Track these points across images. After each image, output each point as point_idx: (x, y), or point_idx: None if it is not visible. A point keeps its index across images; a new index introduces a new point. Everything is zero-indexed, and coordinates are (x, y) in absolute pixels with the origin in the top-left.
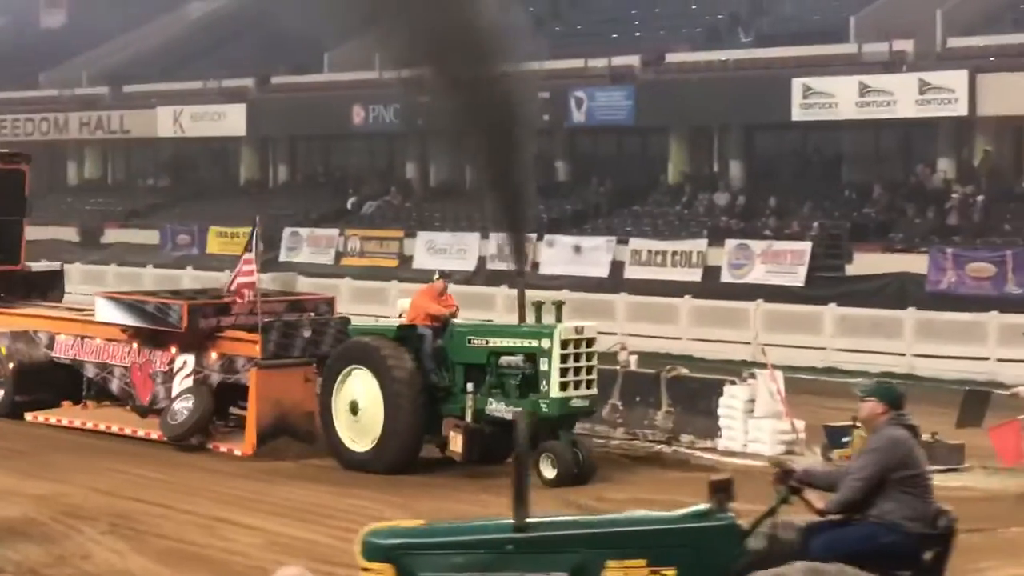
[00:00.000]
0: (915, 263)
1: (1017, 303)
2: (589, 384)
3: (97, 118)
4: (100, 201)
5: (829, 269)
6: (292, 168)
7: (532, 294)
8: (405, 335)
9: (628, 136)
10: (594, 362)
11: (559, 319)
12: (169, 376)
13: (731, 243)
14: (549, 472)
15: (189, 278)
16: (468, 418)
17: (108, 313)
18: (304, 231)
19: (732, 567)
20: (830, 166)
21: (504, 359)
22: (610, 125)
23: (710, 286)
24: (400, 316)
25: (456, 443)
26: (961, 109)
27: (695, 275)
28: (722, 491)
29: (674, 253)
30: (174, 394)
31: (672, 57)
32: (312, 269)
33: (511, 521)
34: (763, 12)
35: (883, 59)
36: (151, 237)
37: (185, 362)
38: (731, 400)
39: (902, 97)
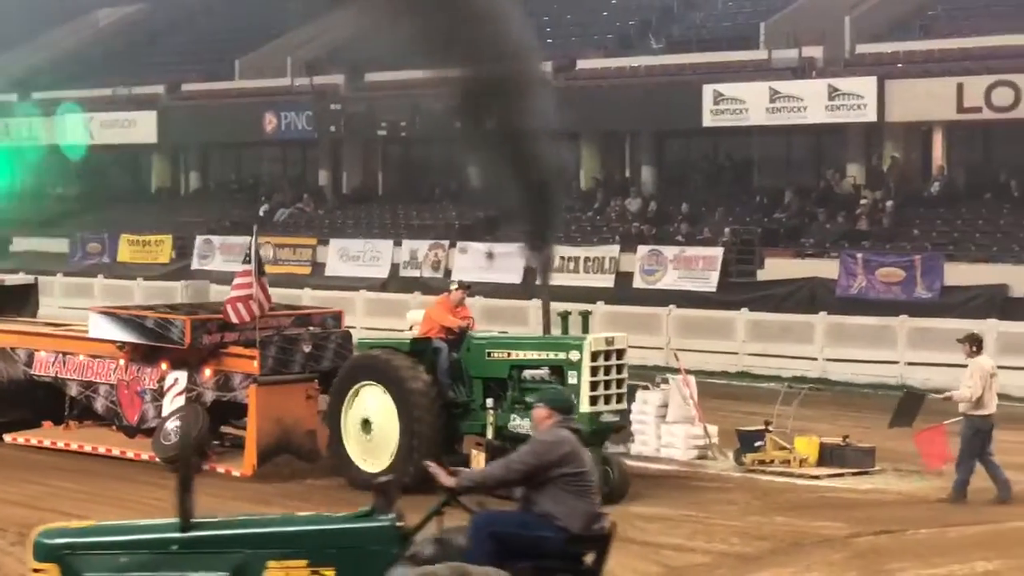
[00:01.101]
0: (826, 268)
1: (926, 307)
2: (620, 398)
3: (5, 124)
4: (9, 209)
5: (741, 274)
6: (204, 175)
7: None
8: (419, 349)
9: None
10: (624, 375)
11: (586, 329)
12: (159, 394)
13: (643, 249)
14: None
15: (100, 287)
16: (489, 435)
17: (103, 329)
18: (217, 239)
19: (392, 568)
20: (741, 172)
21: (528, 372)
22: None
23: (623, 292)
24: (411, 328)
25: (479, 462)
26: (870, 115)
27: (608, 281)
28: (385, 493)
29: (586, 259)
30: (165, 413)
31: (584, 63)
32: (225, 277)
33: (178, 521)
34: (674, 19)
35: (793, 65)
36: (61, 245)
37: (176, 379)
38: (644, 405)
39: (812, 103)
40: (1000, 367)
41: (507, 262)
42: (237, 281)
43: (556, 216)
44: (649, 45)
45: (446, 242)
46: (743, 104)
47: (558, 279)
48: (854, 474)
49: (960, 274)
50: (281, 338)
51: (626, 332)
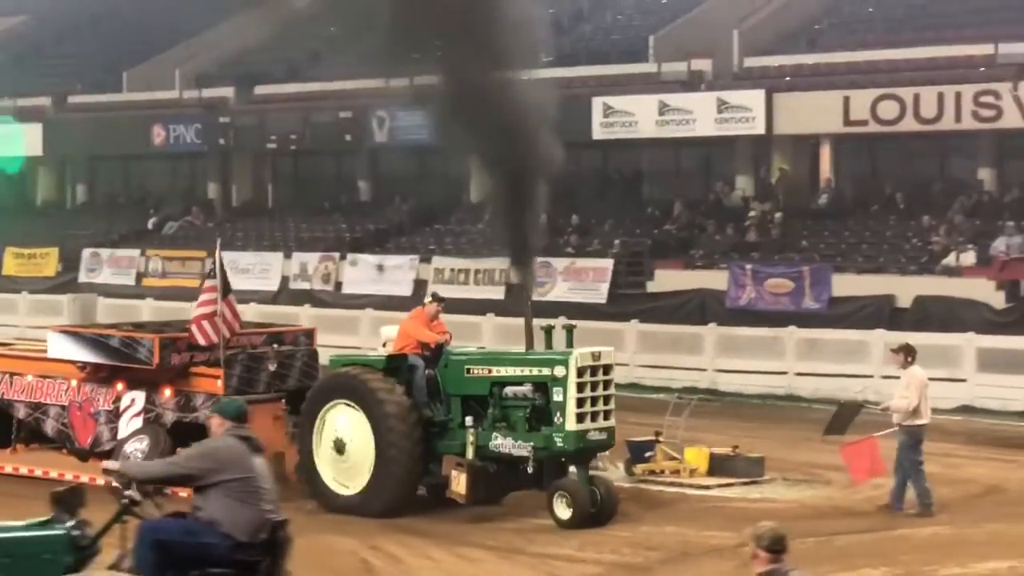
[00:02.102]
0: (715, 279)
1: (814, 318)
2: (607, 415)
3: None
4: None
5: (631, 286)
6: (91, 188)
7: (334, 313)
8: (395, 365)
9: (430, 155)
10: (612, 391)
11: (570, 344)
12: (114, 415)
13: (535, 262)
14: (564, 513)
15: None
16: (470, 455)
17: (63, 349)
18: (104, 252)
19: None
20: (631, 184)
21: (509, 389)
22: (412, 144)
23: (513, 304)
24: (385, 345)
25: (459, 484)
26: (758, 127)
27: (498, 293)
28: (63, 502)
29: (477, 271)
30: (121, 435)
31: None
32: (113, 290)
33: None
34: (563, 32)
35: (682, 78)
36: None
37: (133, 400)
38: None
39: (701, 116)
40: (887, 376)
41: (397, 275)
42: (202, 298)
43: (538, 230)
44: (539, 58)
45: (336, 254)
46: (633, 117)
47: (448, 291)
48: (744, 483)
49: (848, 285)
50: (246, 356)
51: (517, 345)
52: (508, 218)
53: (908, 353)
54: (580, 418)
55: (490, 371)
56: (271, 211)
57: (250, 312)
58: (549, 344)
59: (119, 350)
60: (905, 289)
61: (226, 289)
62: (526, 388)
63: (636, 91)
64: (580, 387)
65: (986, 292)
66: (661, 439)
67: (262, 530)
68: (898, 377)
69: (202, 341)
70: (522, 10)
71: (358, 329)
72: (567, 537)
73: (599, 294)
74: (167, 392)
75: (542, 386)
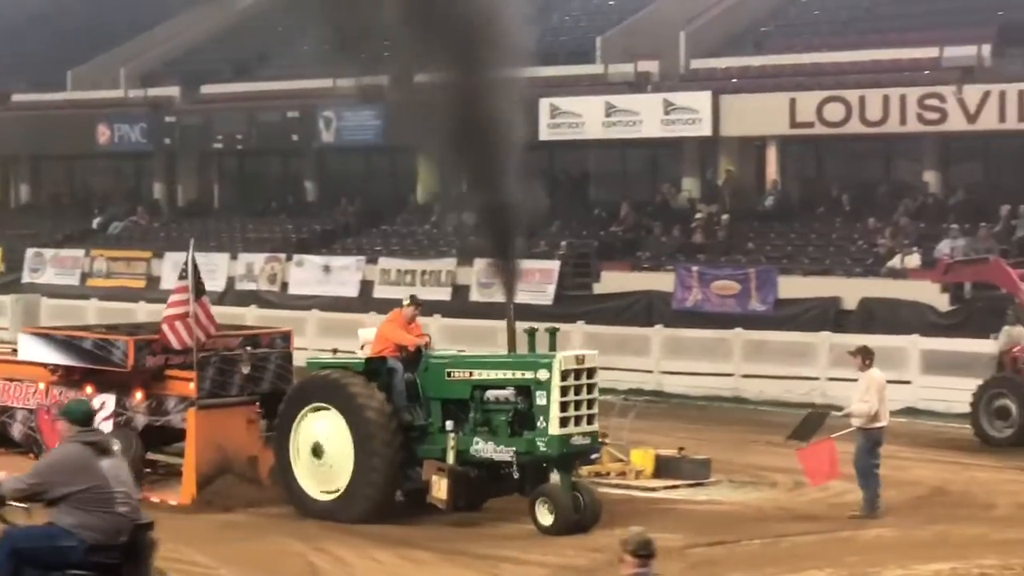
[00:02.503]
0: (661, 281)
1: (760, 320)
2: (591, 419)
3: None
4: None
5: (577, 287)
6: (35, 188)
7: (281, 314)
8: (374, 369)
9: (377, 155)
10: (595, 394)
11: (553, 347)
12: None
13: (480, 262)
14: (546, 519)
15: None
16: (450, 460)
17: (35, 351)
18: (48, 252)
19: None
20: (577, 185)
21: (491, 393)
22: (359, 144)
23: (460, 305)
24: (362, 348)
25: (440, 489)
26: (705, 129)
27: (445, 294)
28: None
29: (423, 272)
30: None
31: (421, 77)
32: (57, 291)
33: None
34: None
35: (629, 80)
36: None
37: (103, 403)
38: None
39: (647, 117)
40: (832, 379)
41: (344, 275)
42: (173, 298)
43: (519, 231)
44: None
45: (283, 255)
46: (579, 118)
47: (394, 292)
48: (689, 485)
49: (794, 287)
50: (219, 359)
51: (464, 345)
52: (488, 220)
53: (866, 355)
54: (564, 422)
55: (471, 374)
56: (217, 211)
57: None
58: (532, 347)
59: (92, 352)
60: (851, 291)
61: (199, 290)
62: (508, 392)
63: (583, 92)
64: (564, 391)
65: (931, 294)
66: (607, 441)
67: (121, 533)
68: (849, 379)
69: (176, 344)
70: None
71: (304, 330)
72: (512, 539)
73: (545, 295)
74: (138, 395)
75: (525, 390)
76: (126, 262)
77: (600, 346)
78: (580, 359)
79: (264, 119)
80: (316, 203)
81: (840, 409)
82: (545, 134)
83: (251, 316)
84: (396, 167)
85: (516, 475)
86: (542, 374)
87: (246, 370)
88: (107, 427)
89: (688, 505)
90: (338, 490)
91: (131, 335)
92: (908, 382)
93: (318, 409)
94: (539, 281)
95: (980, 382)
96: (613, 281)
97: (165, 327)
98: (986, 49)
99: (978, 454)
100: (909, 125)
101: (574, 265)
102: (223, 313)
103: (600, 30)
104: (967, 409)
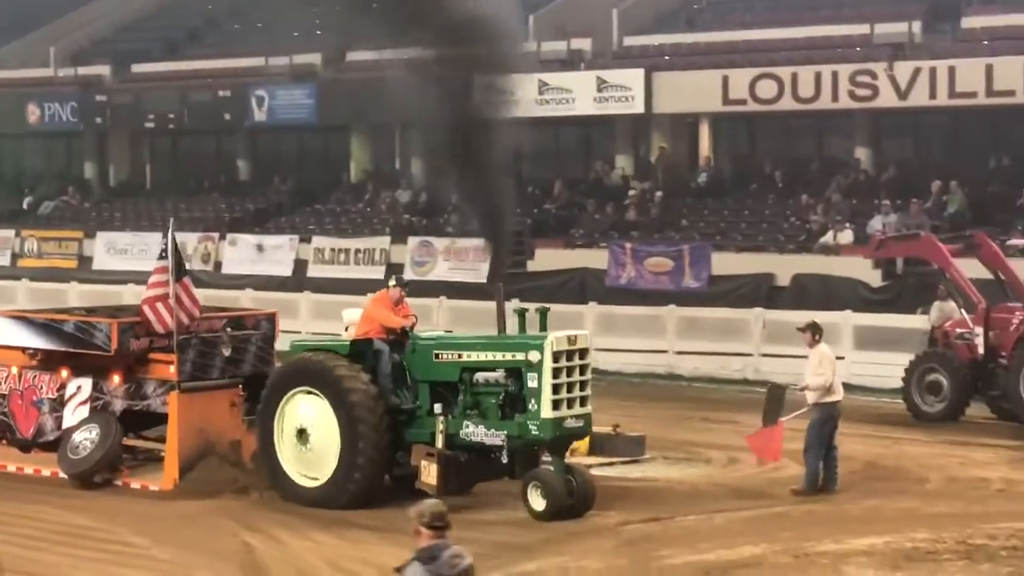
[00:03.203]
0: (595, 258)
1: (694, 297)
2: (584, 401)
3: None
4: None
5: (511, 265)
6: None
7: (215, 294)
8: (360, 351)
9: (310, 134)
10: (588, 375)
11: (544, 327)
12: (59, 404)
13: (414, 240)
14: (538, 504)
15: None
16: (439, 444)
17: (12, 335)
18: None
19: None
20: (511, 163)
21: (481, 375)
22: (292, 123)
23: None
24: (347, 329)
25: (429, 474)
26: (638, 107)
27: (378, 272)
28: None
29: (357, 251)
30: (66, 425)
31: (353, 55)
32: None
33: None
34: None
35: (561, 57)
36: None
37: (79, 388)
38: None
39: (580, 95)
40: (765, 355)
41: (277, 255)
42: (153, 279)
43: (509, 210)
44: None
45: (216, 234)
46: (513, 96)
47: (328, 271)
48: (624, 463)
49: (727, 264)
50: (199, 341)
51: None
52: (479, 200)
53: (815, 331)
54: (556, 405)
55: (460, 356)
56: (149, 191)
57: (128, 294)
58: (522, 328)
59: (74, 336)
60: (783, 267)
61: (181, 271)
62: (498, 374)
63: (515, 70)
64: (556, 372)
65: (863, 270)
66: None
67: None
68: (783, 355)
69: (158, 327)
70: None
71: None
72: (452, 518)
73: (479, 274)
74: (116, 379)
75: (515, 372)
76: (57, 242)
77: (534, 324)
78: (572, 340)
79: (196, 98)
80: (249, 182)
81: (796, 385)
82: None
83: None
84: (329, 146)
85: (505, 459)
86: (533, 356)
87: (227, 352)
88: (84, 412)
89: (623, 482)
90: (325, 476)
91: (113, 318)
92: (841, 358)
93: (303, 393)
94: (473, 259)
95: (912, 357)
96: (547, 259)
97: (146, 309)
98: (916, 26)
99: (910, 429)
100: (841, 102)
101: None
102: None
103: (533, 8)
104: (899, 384)
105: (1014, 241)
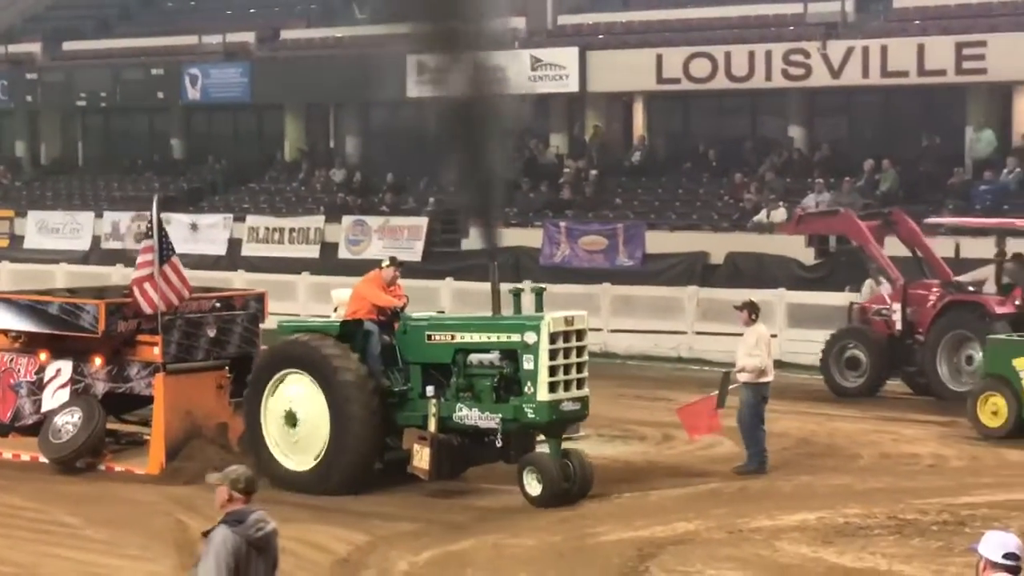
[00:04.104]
0: (529, 237)
1: (628, 275)
2: (581, 384)
3: None
4: None
5: (446, 244)
6: None
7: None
8: (350, 332)
9: (244, 113)
10: (585, 357)
11: (539, 308)
12: (37, 387)
13: (348, 219)
14: (534, 488)
15: None
16: (432, 428)
17: None
18: None
19: None
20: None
21: (475, 357)
22: (225, 102)
23: (328, 262)
24: (336, 310)
25: (422, 458)
26: (572, 85)
27: (313, 251)
28: None
29: (291, 230)
30: (45, 408)
31: (287, 34)
32: None
33: None
34: None
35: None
36: None
37: (59, 370)
38: None
39: (514, 73)
40: (700, 333)
41: (211, 233)
42: (141, 259)
43: (502, 189)
44: (353, 15)
45: (149, 213)
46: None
47: (262, 250)
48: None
49: (661, 242)
50: (184, 321)
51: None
52: (471, 179)
53: (752, 310)
54: (553, 387)
55: (453, 337)
56: (81, 169)
57: (59, 273)
58: (518, 308)
59: (59, 318)
60: (717, 246)
61: (169, 251)
62: (493, 356)
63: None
64: (552, 354)
65: (796, 248)
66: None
67: None
68: (717, 333)
69: (147, 309)
70: None
71: None
72: (389, 495)
73: (414, 252)
74: (98, 361)
75: (511, 353)
76: None
77: (469, 302)
78: (569, 320)
79: (128, 76)
80: (183, 161)
81: (734, 367)
82: (413, 91)
83: (117, 275)
84: (263, 125)
85: (499, 443)
86: (529, 337)
87: (212, 333)
88: (64, 395)
89: None
90: (314, 461)
91: (99, 299)
92: (774, 335)
93: (291, 375)
94: (408, 238)
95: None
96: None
97: (135, 289)
98: (849, 5)
99: (842, 406)
100: (774, 81)
101: (442, 222)
102: (88, 273)
103: None
104: None
105: (932, 219)
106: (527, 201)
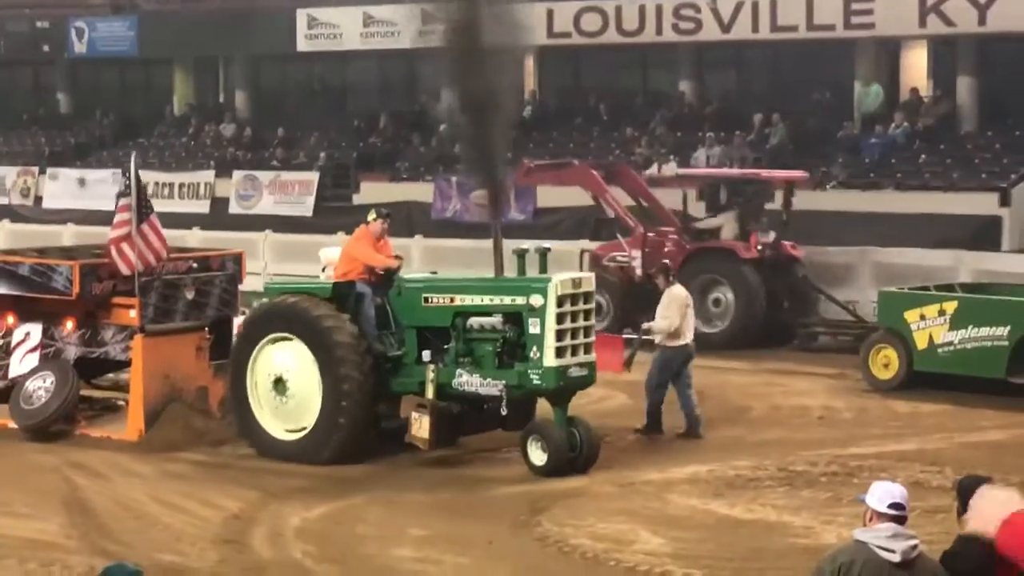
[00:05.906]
0: (420, 192)
1: (519, 229)
2: (588, 348)
3: None
4: None
5: (337, 199)
6: None
7: (33, 229)
8: (341, 293)
9: (131, 67)
10: (592, 321)
11: (544, 269)
12: (4, 352)
13: (239, 174)
14: (539, 457)
15: None
16: (430, 394)
17: None
18: None
19: None
20: (336, 97)
21: (475, 320)
22: (113, 56)
23: (219, 218)
24: (324, 270)
25: (421, 427)
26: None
27: (203, 207)
28: None
29: (181, 185)
30: (14, 373)
31: None
32: None
33: None
34: None
35: None
36: None
37: (28, 334)
38: None
39: (405, 28)
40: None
41: (100, 189)
42: (118, 218)
43: (504, 146)
44: None
45: (36, 168)
46: (337, 29)
47: (153, 205)
48: None
49: (552, 196)
50: (162, 283)
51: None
52: (476, 137)
53: (667, 273)
54: (560, 352)
55: (452, 300)
56: None
57: None
58: (521, 270)
59: (30, 279)
60: None
61: (147, 209)
62: (496, 319)
63: (340, 3)
64: (560, 318)
65: (687, 202)
66: None
67: None
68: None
69: (125, 270)
70: None
71: (60, 244)
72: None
73: (305, 207)
74: (69, 324)
75: (515, 317)
76: None
77: None
78: (577, 282)
79: (13, 28)
80: (70, 115)
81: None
82: (303, 45)
83: (3, 232)
84: (152, 79)
85: (504, 411)
86: (536, 300)
87: (190, 295)
88: (33, 360)
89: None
90: (305, 428)
91: (73, 259)
92: None
93: (279, 339)
94: (299, 193)
95: None
96: (373, 192)
97: (112, 249)
98: None
99: (733, 359)
100: (665, 35)
101: (333, 176)
102: None
103: None
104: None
105: (651, 171)
106: (418, 156)
